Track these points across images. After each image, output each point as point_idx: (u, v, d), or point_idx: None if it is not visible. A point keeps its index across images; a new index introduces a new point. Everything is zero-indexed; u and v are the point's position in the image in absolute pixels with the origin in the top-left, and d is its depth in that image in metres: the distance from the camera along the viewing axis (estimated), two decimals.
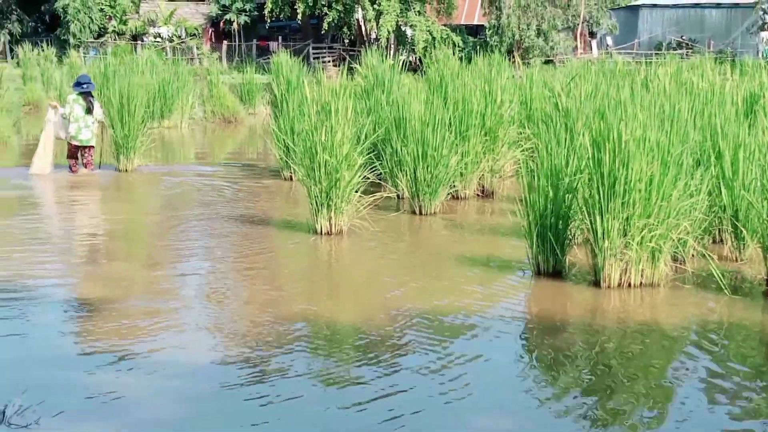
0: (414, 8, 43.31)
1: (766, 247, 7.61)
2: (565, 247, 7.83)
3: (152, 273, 8.15)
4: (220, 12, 52.99)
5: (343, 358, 5.88)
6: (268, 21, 46.97)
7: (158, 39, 50.72)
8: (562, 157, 7.71)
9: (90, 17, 49.24)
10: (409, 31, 43.50)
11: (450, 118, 11.07)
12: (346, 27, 45.15)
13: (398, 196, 11.21)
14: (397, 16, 42.61)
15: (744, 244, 8.28)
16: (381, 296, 7.42)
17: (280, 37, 50.48)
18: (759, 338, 6.43)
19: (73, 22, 48.66)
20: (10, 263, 8.26)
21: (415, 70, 32.02)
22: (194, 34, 52.99)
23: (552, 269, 7.78)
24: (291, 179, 13.09)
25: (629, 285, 7.33)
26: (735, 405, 5.19)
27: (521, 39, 42.85)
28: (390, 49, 40.08)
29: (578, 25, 45.66)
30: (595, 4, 45.92)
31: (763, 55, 41.22)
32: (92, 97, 14.03)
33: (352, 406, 5.06)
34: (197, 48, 49.04)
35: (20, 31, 50.49)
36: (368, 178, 10.13)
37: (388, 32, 42.10)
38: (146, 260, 8.75)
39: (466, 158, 11.31)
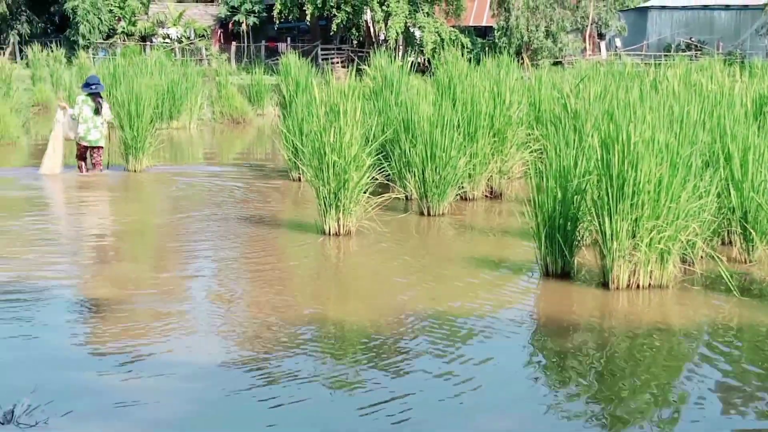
0: (423, 10, 43.31)
1: None
2: (573, 249, 7.82)
3: (161, 274, 8.17)
4: (229, 13, 53.10)
5: (352, 360, 5.87)
6: (277, 22, 47.08)
7: (167, 40, 50.84)
8: (571, 159, 7.70)
9: (99, 18, 49.39)
10: (417, 33, 43.50)
11: (458, 120, 11.06)
12: (354, 28, 45.16)
13: (406, 197, 11.20)
14: (406, 17, 42.62)
15: (753, 246, 8.26)
16: (389, 298, 7.41)
17: (288, 39, 50.57)
18: None
19: (82, 23, 48.80)
20: (20, 263, 8.28)
21: (423, 72, 32.05)
22: (203, 36, 53.12)
23: (561, 271, 7.78)
24: (299, 180, 13.10)
25: (638, 286, 7.31)
26: (747, 406, 5.17)
27: (530, 40, 42.82)
28: (398, 51, 40.13)
29: (587, 26, 45.62)
30: (604, 6, 45.89)
31: None
32: (101, 98, 14.08)
33: (361, 409, 5.05)
34: (206, 49, 49.15)
35: (29, 31, 50.62)
36: (376, 179, 10.12)
37: (397, 33, 42.11)
38: (155, 261, 8.77)
39: (475, 159, 11.30)
